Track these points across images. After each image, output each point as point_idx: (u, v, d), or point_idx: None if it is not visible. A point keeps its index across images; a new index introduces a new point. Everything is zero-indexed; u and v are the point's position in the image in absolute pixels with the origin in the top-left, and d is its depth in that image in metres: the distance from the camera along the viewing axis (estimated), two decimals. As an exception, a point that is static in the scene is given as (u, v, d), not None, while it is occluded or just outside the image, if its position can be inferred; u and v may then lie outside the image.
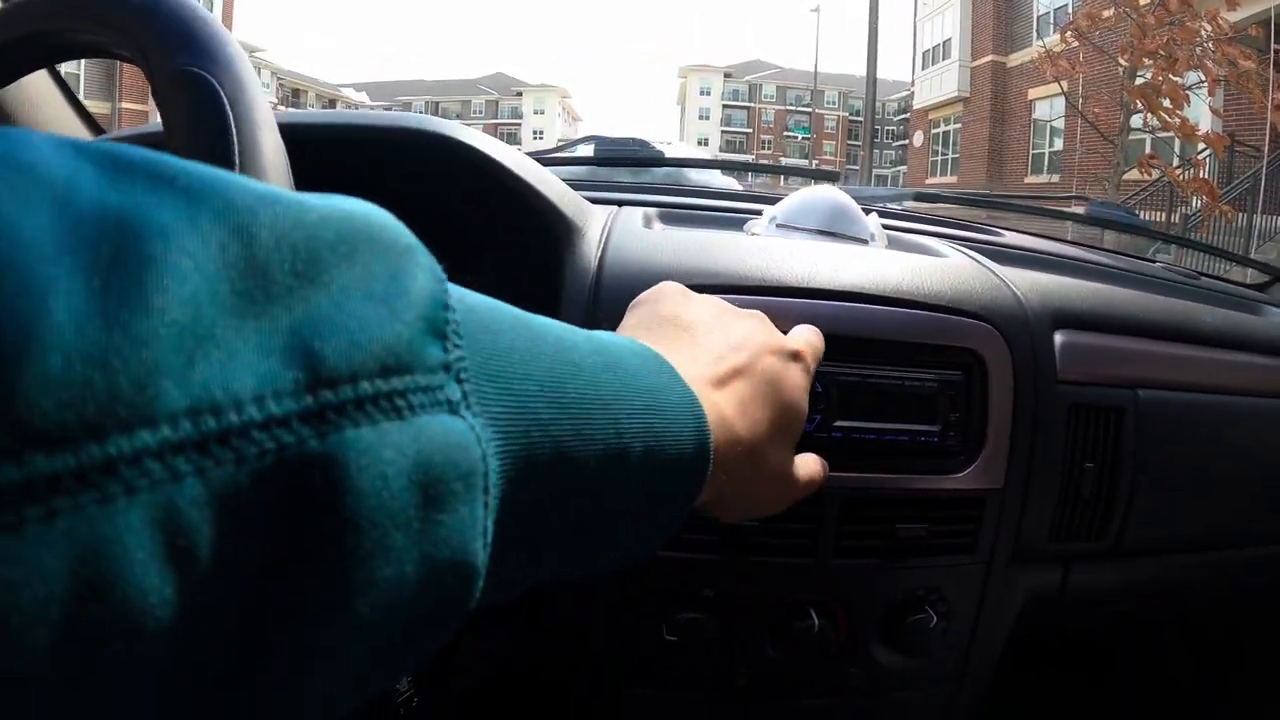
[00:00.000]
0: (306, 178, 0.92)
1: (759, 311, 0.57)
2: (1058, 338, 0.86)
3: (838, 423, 0.73)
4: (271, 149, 0.55)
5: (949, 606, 0.81)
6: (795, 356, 0.54)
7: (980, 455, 0.78)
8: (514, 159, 0.82)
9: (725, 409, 0.46)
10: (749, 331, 0.53)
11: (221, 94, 0.54)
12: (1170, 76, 10.73)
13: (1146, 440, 0.88)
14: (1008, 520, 0.81)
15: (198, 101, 0.54)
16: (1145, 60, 11.19)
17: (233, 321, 0.21)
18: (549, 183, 0.83)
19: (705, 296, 0.57)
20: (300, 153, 0.88)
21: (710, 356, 0.49)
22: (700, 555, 0.75)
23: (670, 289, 0.57)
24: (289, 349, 0.22)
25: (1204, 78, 11.07)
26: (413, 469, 0.24)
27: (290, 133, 0.85)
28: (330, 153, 0.84)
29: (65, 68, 0.89)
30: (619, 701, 0.82)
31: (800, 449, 0.64)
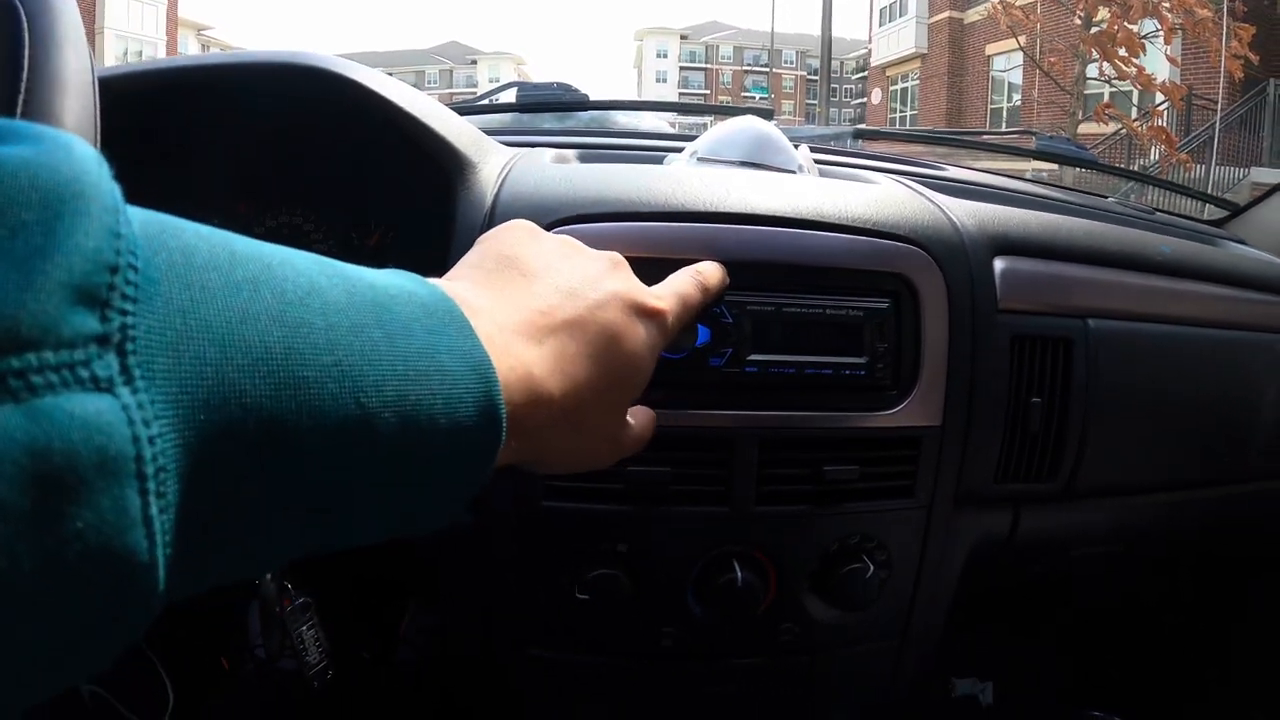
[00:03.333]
0: (186, 128, 0.87)
1: (620, 257, 0.51)
2: (998, 264, 0.80)
3: (751, 356, 0.68)
4: (74, 69, 0.48)
5: (888, 555, 0.76)
6: (649, 314, 0.49)
7: (914, 390, 0.72)
8: (400, 92, 0.76)
9: (536, 366, 0.41)
10: (593, 278, 0.48)
11: (19, 8, 0.49)
12: (1126, 24, 10.74)
13: (1098, 372, 0.84)
14: (948, 460, 0.76)
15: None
16: (1100, 8, 11.20)
17: None
18: (441, 117, 0.77)
19: (558, 237, 0.51)
20: (176, 101, 0.83)
21: (537, 305, 0.44)
22: (608, 506, 0.70)
23: (518, 226, 0.51)
24: None
25: (1160, 26, 11.10)
26: (25, 458, 0.21)
27: (162, 79, 0.80)
28: (209, 99, 0.79)
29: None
30: (535, 668, 0.77)
31: (709, 384, 0.58)
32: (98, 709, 1.09)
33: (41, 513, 0.21)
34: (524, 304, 0.43)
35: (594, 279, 0.48)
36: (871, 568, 0.73)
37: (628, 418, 0.51)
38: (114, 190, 0.25)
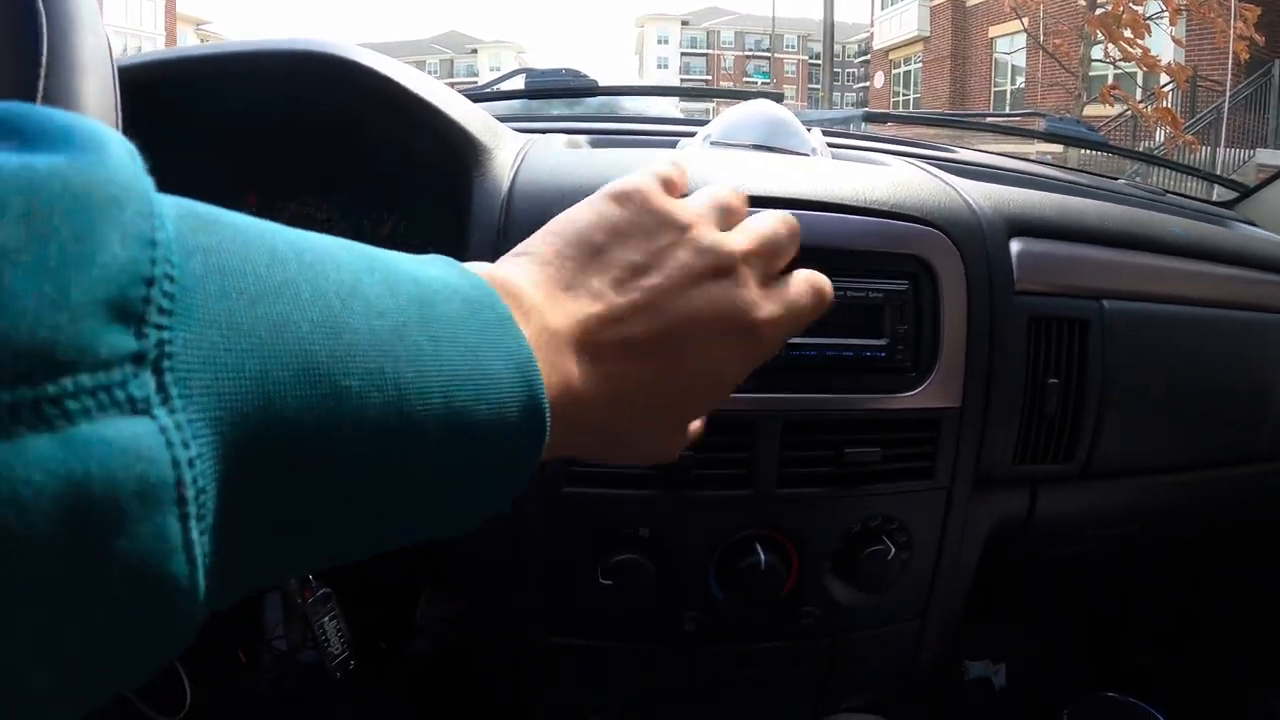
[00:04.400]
0: (196, 117, 0.86)
1: (738, 249, 0.42)
2: (1014, 245, 0.80)
3: None
4: (92, 50, 0.48)
5: (909, 537, 0.76)
6: (752, 331, 0.42)
7: (934, 371, 0.72)
8: (414, 79, 0.75)
9: (579, 383, 0.37)
10: (683, 280, 0.40)
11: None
12: (1130, 5, 10.67)
13: (1114, 353, 0.83)
14: (967, 441, 0.76)
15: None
16: (1105, -13, 11.14)
17: None
18: (454, 103, 0.77)
19: (657, 215, 0.42)
20: (186, 91, 0.83)
21: (596, 311, 0.38)
22: (630, 491, 0.70)
23: (598, 204, 0.42)
24: None
25: (1164, 6, 11.03)
26: (62, 490, 0.19)
27: (173, 69, 0.79)
28: (220, 88, 0.78)
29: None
30: (558, 654, 0.77)
31: None
32: (116, 704, 1.09)
33: (81, 547, 0.20)
34: (581, 308, 0.38)
35: (678, 286, 0.40)
36: (893, 549, 0.73)
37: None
38: (148, 190, 0.24)
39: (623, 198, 0.42)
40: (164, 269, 0.23)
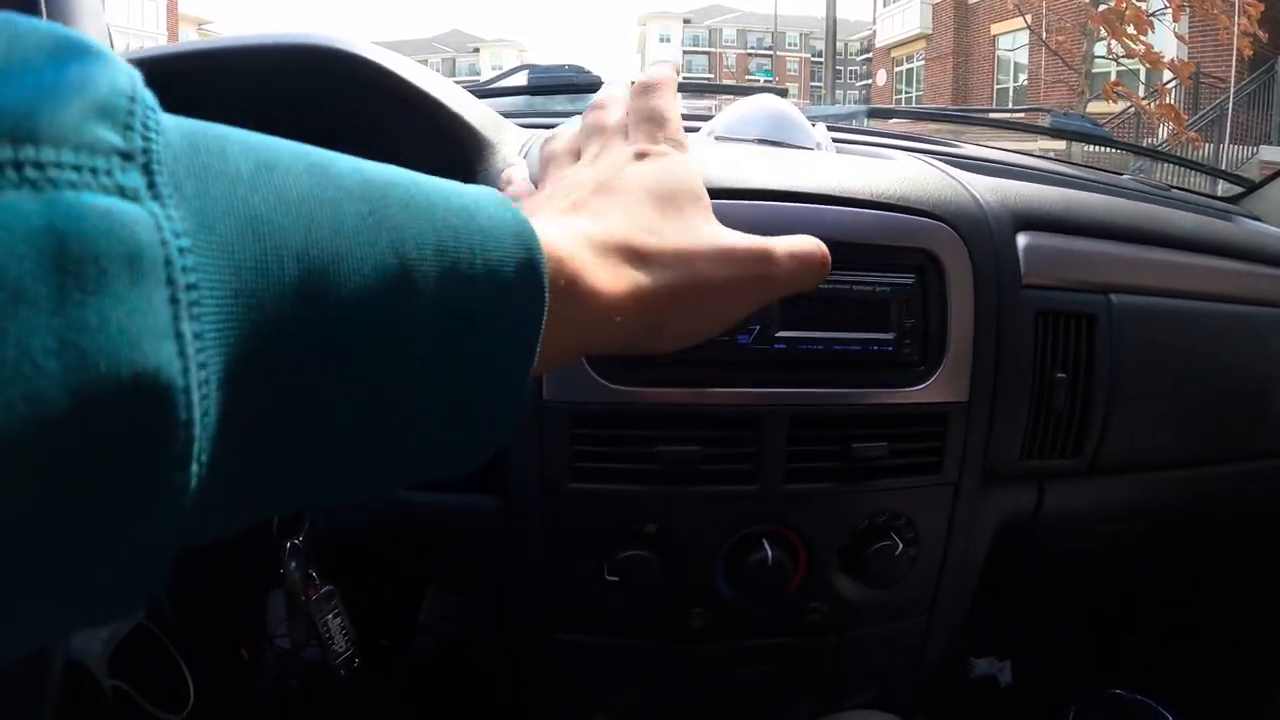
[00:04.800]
0: (199, 112, 0.86)
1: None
2: (1021, 239, 0.79)
3: (779, 333, 0.67)
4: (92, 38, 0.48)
5: (916, 532, 0.75)
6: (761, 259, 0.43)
7: (941, 366, 0.72)
8: (419, 73, 0.75)
9: (592, 276, 0.36)
10: (697, 224, 0.43)
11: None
12: (1133, 1, 10.66)
13: (1122, 348, 0.83)
14: (975, 437, 0.76)
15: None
16: (1108, -17, 11.13)
17: None
18: (459, 98, 0.76)
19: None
20: (190, 86, 0.82)
21: (628, 228, 0.39)
22: (636, 487, 0.69)
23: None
24: None
25: (1167, 3, 11.01)
26: (40, 239, 0.19)
27: (178, 63, 0.79)
28: (224, 83, 0.77)
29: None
30: (564, 651, 0.77)
31: (738, 362, 0.57)
32: (120, 703, 1.09)
33: (61, 300, 0.19)
34: (612, 225, 0.39)
35: (697, 224, 0.43)
36: (900, 545, 0.73)
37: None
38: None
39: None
40: (145, 99, 0.23)
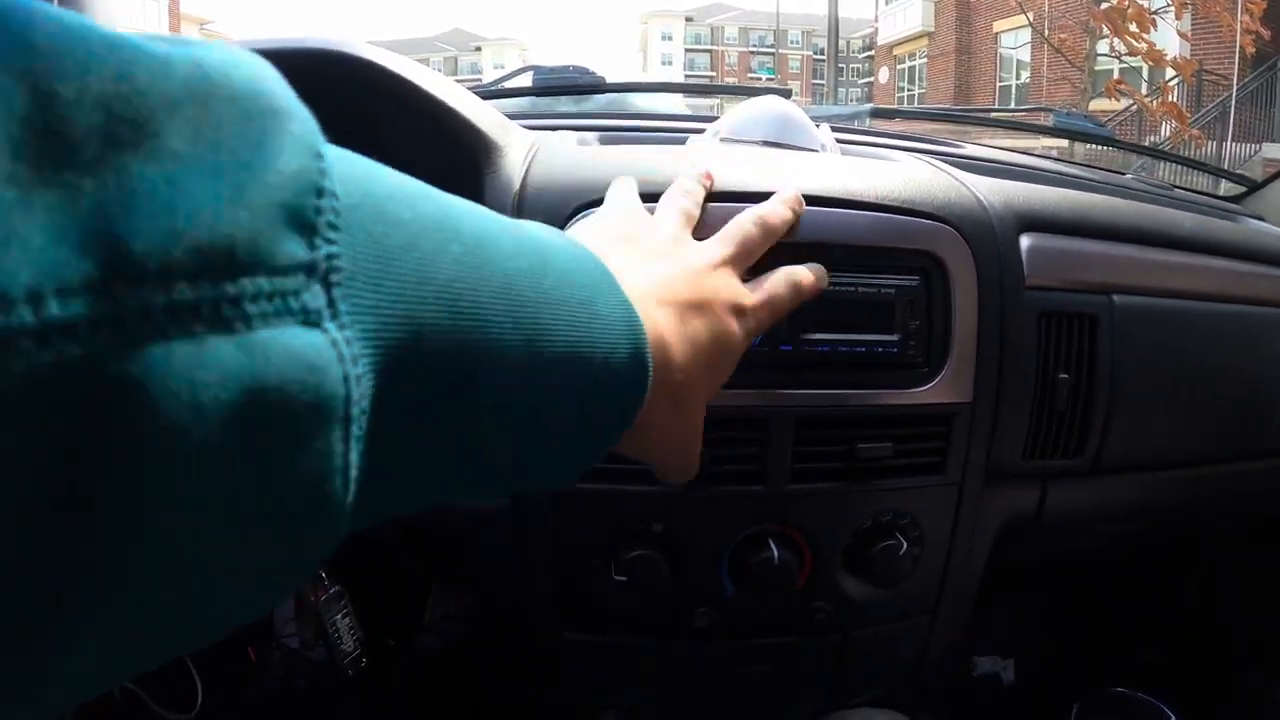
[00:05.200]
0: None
1: (725, 252, 0.53)
2: (1024, 241, 0.80)
3: (786, 335, 0.68)
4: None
5: (920, 532, 0.76)
6: (742, 312, 0.51)
7: (945, 367, 0.72)
8: (426, 77, 0.75)
9: (667, 333, 0.43)
10: (705, 267, 0.50)
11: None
12: (1136, 0, 10.64)
13: (1124, 348, 0.83)
14: (978, 437, 0.76)
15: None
16: (1110, -18, 11.10)
17: (16, 194, 0.16)
18: (464, 100, 0.77)
19: (669, 224, 0.55)
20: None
21: (663, 280, 0.46)
22: (644, 488, 0.69)
23: (629, 208, 0.55)
24: (87, 232, 0.17)
25: (1170, 1, 10.99)
26: (242, 398, 0.19)
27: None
28: None
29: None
30: (570, 650, 0.77)
31: (744, 364, 0.58)
32: (128, 704, 1.09)
33: (257, 459, 0.20)
34: (653, 276, 0.45)
35: (706, 268, 0.50)
36: (904, 544, 0.74)
37: None
38: (305, 107, 0.23)
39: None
40: (330, 184, 0.23)
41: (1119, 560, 1.41)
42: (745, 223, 0.57)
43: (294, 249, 0.21)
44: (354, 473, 0.23)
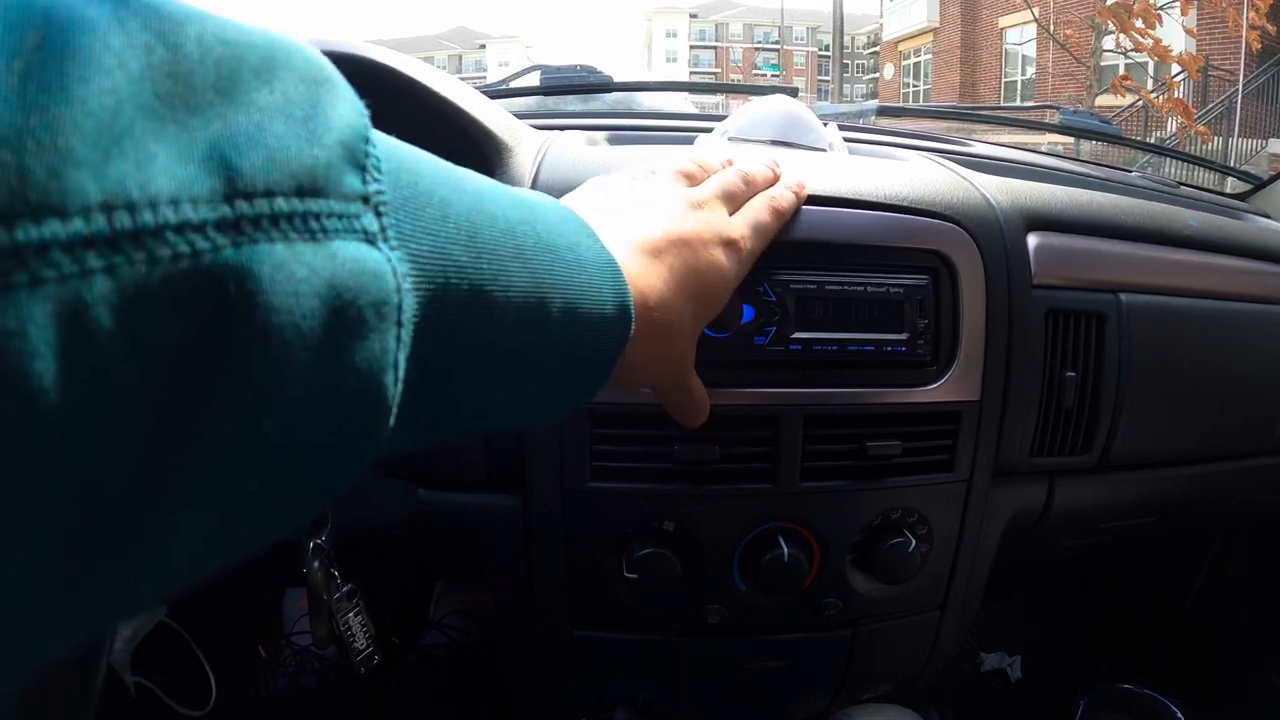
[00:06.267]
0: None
1: (707, 194, 0.56)
2: (1031, 240, 0.80)
3: (795, 334, 0.68)
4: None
5: (928, 529, 0.76)
6: (730, 244, 0.54)
7: (953, 365, 0.73)
8: (435, 77, 0.76)
9: (641, 279, 0.46)
10: (686, 210, 0.53)
11: None
12: (1141, -5, 10.61)
13: (1131, 346, 0.84)
14: (986, 435, 0.76)
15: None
16: (1116, -22, 11.07)
17: (153, 125, 0.20)
18: (475, 102, 0.77)
19: (654, 177, 0.57)
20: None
21: (642, 229, 0.49)
22: (656, 485, 0.70)
23: (612, 175, 0.58)
24: (207, 159, 0.21)
25: (1176, -3, 10.96)
26: (325, 290, 0.24)
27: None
28: None
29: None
30: (581, 647, 0.78)
31: (754, 363, 0.59)
32: (144, 701, 1.10)
33: (334, 344, 0.24)
34: (632, 227, 0.49)
35: (687, 211, 0.53)
36: (913, 541, 0.74)
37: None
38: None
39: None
40: (372, 134, 0.28)
41: (1125, 556, 1.42)
42: (727, 171, 0.60)
43: (354, 182, 0.26)
44: (401, 372, 0.28)
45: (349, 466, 0.28)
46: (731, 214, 0.57)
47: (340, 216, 0.25)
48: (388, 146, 0.29)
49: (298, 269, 0.23)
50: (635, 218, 0.50)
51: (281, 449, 0.24)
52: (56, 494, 0.19)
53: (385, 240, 0.27)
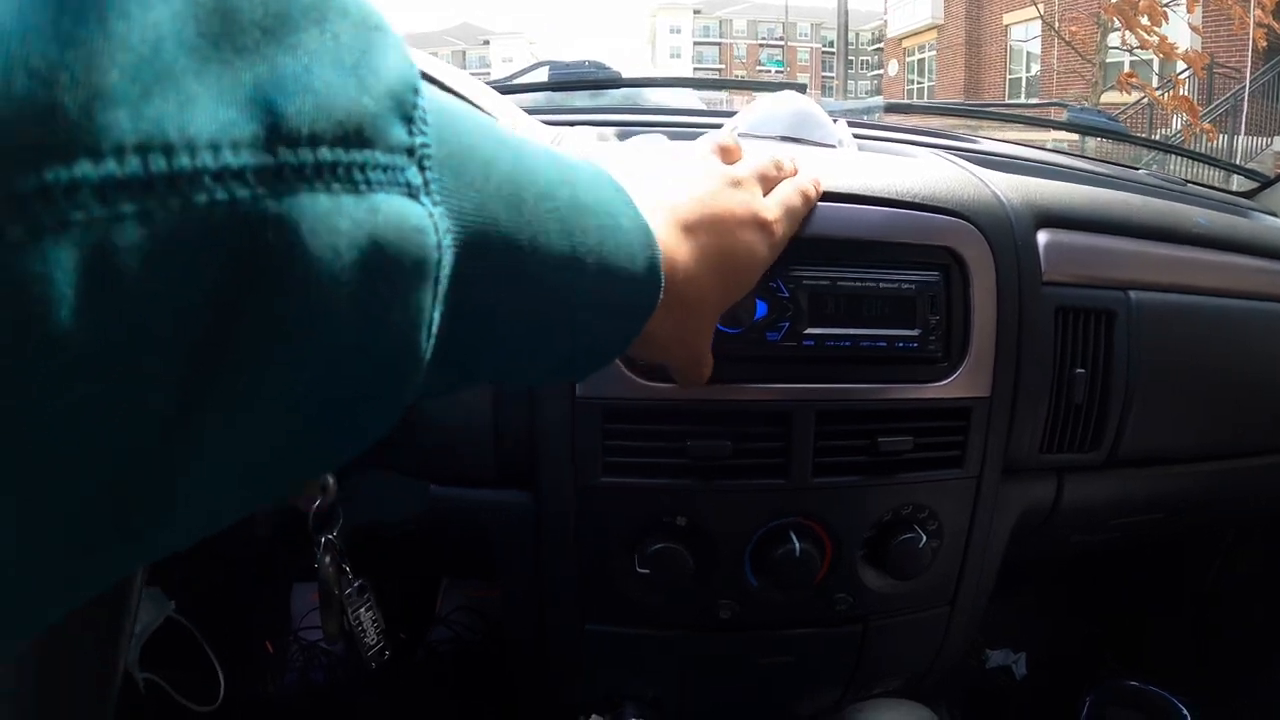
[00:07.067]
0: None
1: (746, 173, 0.56)
2: (1041, 237, 0.80)
3: (808, 330, 0.68)
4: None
5: (939, 525, 0.77)
6: (763, 225, 0.54)
7: (964, 361, 0.73)
8: (448, 73, 0.76)
9: (671, 250, 0.46)
10: (723, 188, 0.53)
11: None
12: (1146, -8, 10.58)
13: (1140, 344, 0.84)
14: (996, 431, 0.77)
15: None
16: (1123, -23, 11.04)
17: (195, 64, 0.19)
18: (487, 98, 0.77)
19: (693, 149, 0.57)
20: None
21: (676, 203, 0.49)
22: (668, 480, 0.70)
23: (649, 143, 0.60)
24: (251, 102, 0.20)
25: (1182, -6, 10.93)
26: (365, 244, 0.23)
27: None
28: None
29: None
30: (592, 642, 0.78)
31: (767, 358, 0.59)
32: (153, 696, 1.11)
33: (371, 298, 0.24)
34: (668, 197, 0.49)
35: (722, 188, 0.52)
36: (924, 537, 0.74)
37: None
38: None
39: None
40: (420, 85, 0.27)
41: (1133, 553, 1.42)
42: (761, 154, 0.60)
43: (400, 134, 0.25)
44: (435, 329, 0.28)
45: (379, 418, 0.28)
46: (764, 193, 0.57)
47: (385, 169, 0.24)
48: (434, 98, 0.28)
49: (339, 221, 0.22)
50: (673, 189, 0.50)
51: (312, 401, 0.24)
52: (89, 440, 0.19)
53: (428, 194, 0.26)
